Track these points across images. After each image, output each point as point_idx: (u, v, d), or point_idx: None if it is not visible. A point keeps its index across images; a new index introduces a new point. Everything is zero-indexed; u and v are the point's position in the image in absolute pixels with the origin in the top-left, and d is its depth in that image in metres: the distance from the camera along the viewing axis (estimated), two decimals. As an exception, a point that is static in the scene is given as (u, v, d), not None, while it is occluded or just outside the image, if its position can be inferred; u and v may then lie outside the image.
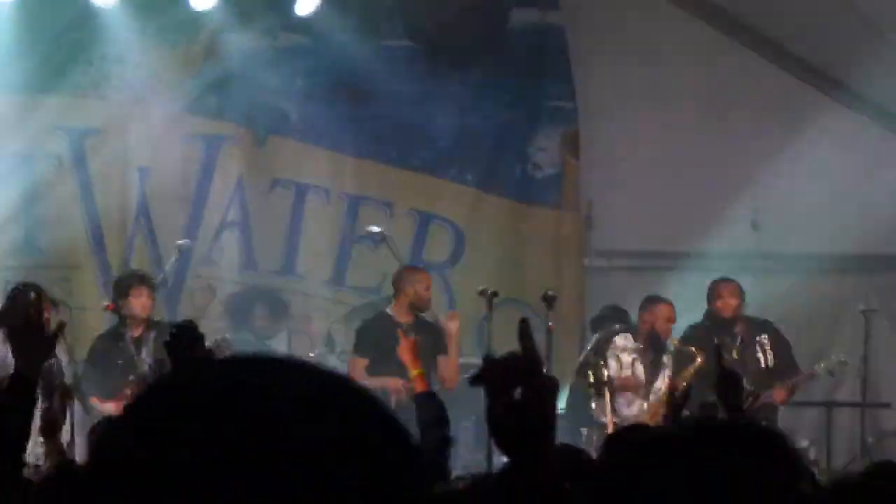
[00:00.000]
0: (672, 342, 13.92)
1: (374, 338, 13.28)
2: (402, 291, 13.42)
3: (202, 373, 2.23)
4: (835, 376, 14.57)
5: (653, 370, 13.86)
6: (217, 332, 13.86)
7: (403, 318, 13.33)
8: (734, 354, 13.74)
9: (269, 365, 2.20)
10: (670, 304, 13.92)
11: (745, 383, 12.20)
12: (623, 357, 13.74)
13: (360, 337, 13.62)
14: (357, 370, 13.18)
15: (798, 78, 16.25)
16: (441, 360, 13.48)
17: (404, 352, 12.76)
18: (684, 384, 12.44)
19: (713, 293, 14.15)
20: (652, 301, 13.98)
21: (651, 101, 15.72)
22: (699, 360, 13.35)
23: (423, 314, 13.44)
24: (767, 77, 16.09)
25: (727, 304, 14.01)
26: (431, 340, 13.32)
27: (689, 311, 14.39)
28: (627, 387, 13.69)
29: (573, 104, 15.82)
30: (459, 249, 15.62)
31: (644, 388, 13.78)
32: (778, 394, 13.68)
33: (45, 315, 12.10)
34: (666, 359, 13.81)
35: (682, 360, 13.63)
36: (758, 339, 14.01)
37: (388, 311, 13.54)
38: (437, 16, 15.37)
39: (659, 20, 15.93)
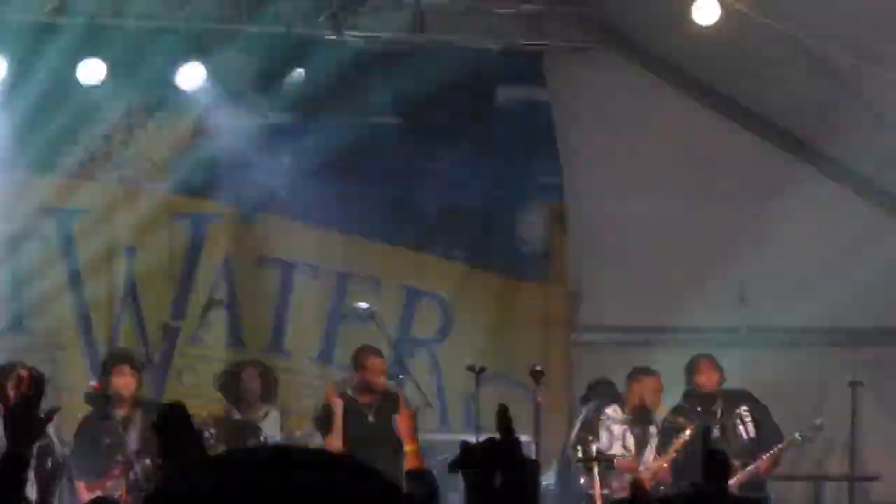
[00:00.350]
0: (659, 414, 13.88)
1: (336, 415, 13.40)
2: (360, 370, 13.46)
3: (199, 481, 2.29)
4: (811, 441, 14.41)
5: (641, 442, 13.80)
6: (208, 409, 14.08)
7: (364, 398, 13.36)
8: (716, 431, 13.72)
9: (262, 467, 2.29)
10: (657, 375, 13.94)
11: (730, 458, 12.37)
12: (614, 429, 13.72)
13: (322, 417, 13.63)
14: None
15: (784, 150, 16.33)
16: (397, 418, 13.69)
17: (402, 425, 12.80)
18: (646, 478, 12.81)
19: (693, 369, 14.16)
20: (639, 373, 13.98)
21: (637, 176, 15.73)
22: (689, 431, 13.34)
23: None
24: (753, 150, 16.19)
25: (708, 379, 14.00)
26: (390, 419, 13.55)
27: (678, 384, 14.25)
28: (620, 465, 13.60)
29: (560, 180, 15.88)
30: (447, 325, 15.63)
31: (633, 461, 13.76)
32: (762, 465, 13.58)
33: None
34: (653, 430, 13.77)
35: (669, 431, 13.60)
36: (738, 411, 13.99)
37: (349, 391, 13.53)
38: (424, 93, 15.35)
39: (644, 97, 16.07)
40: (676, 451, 13.73)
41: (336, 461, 2.42)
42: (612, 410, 13.93)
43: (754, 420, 14.00)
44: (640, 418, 14.03)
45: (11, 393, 11.71)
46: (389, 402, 13.59)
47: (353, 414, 13.40)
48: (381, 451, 13.02)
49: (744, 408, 14.06)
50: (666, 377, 14.42)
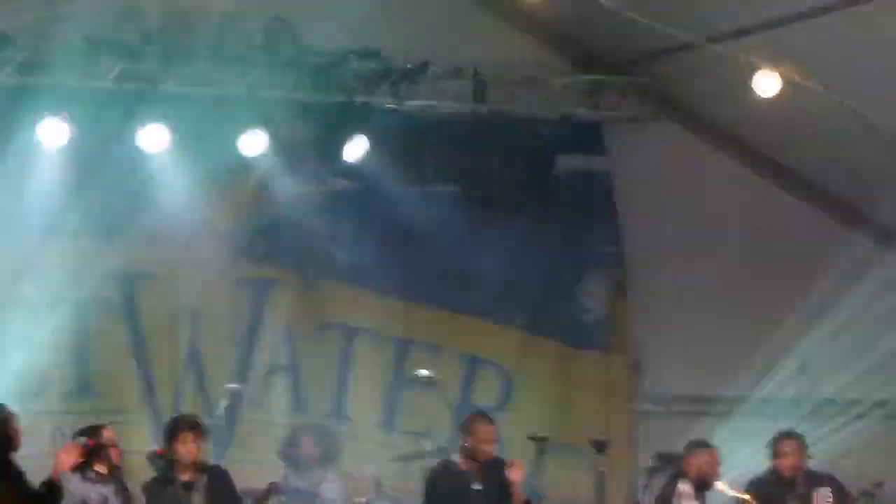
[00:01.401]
0: (720, 485, 13.63)
1: (444, 486, 13.28)
2: (468, 439, 13.30)
3: None
4: (875, 497, 14.29)
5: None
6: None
7: (469, 465, 13.23)
8: None
9: None
10: (713, 449, 13.83)
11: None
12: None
13: (430, 488, 13.51)
14: None
15: (840, 222, 16.34)
16: None
17: (515, 476, 12.85)
18: None
19: (775, 449, 13.97)
20: (695, 446, 13.87)
21: (697, 244, 15.78)
22: None
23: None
24: (810, 220, 16.21)
25: (788, 461, 13.82)
26: (497, 486, 13.22)
27: (737, 454, 14.35)
28: None
29: (619, 248, 15.97)
30: (508, 393, 15.61)
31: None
32: None
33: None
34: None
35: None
36: (817, 491, 13.80)
37: (454, 458, 13.41)
38: (483, 161, 15.63)
39: (703, 166, 16.10)
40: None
41: None
42: (684, 486, 13.72)
43: (836, 499, 13.82)
44: (700, 490, 13.79)
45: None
46: (496, 469, 13.31)
47: (457, 482, 13.21)
48: None
49: (827, 490, 13.88)
50: (729, 447, 14.24)
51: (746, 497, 13.74)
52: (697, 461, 13.67)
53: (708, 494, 13.85)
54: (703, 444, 13.87)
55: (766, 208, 16.15)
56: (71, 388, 14.74)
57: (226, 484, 13.42)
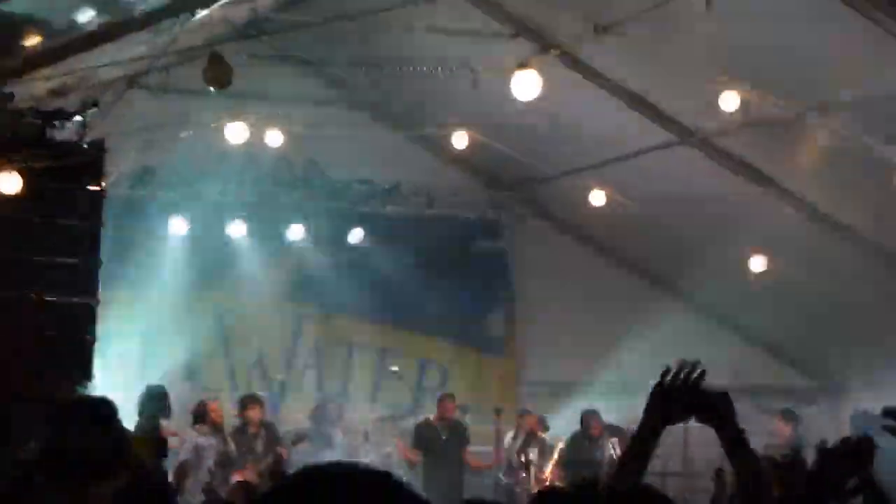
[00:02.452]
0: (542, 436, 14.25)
1: (423, 434, 14.16)
2: (441, 408, 14.23)
3: (310, 480, 2.00)
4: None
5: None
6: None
7: (440, 423, 14.08)
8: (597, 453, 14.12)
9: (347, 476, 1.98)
10: (535, 415, 14.37)
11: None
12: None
13: (417, 435, 14.30)
14: (413, 457, 14.31)
15: (649, 283, 16.37)
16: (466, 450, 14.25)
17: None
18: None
19: (583, 419, 14.44)
20: (524, 412, 14.52)
21: (557, 294, 15.83)
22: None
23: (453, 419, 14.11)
24: (630, 284, 16.21)
25: (596, 427, 14.41)
26: (457, 437, 14.15)
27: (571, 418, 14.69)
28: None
29: (511, 293, 16.30)
30: (445, 381, 15.78)
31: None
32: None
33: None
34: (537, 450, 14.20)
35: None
36: (612, 440, 14.10)
37: (430, 418, 14.30)
38: (432, 243, 15.71)
39: (560, 247, 16.22)
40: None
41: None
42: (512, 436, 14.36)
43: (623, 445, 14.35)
44: (527, 439, 14.30)
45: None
46: (457, 426, 14.19)
47: (432, 432, 14.02)
48: (450, 460, 13.99)
49: (615, 439, 14.13)
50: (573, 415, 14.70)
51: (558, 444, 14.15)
52: (529, 420, 14.37)
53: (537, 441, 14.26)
54: (529, 411, 14.49)
55: (599, 275, 16.14)
56: (186, 378, 14.94)
57: (275, 433, 14.00)
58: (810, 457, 12.66)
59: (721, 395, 3.65)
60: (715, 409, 3.59)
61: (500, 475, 14.57)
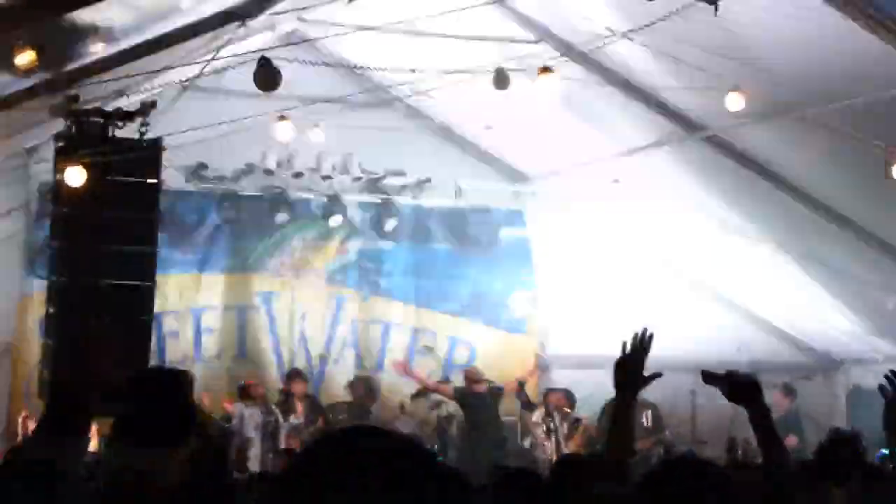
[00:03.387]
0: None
1: (464, 394, 14.10)
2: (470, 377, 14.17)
3: (344, 440, 1.94)
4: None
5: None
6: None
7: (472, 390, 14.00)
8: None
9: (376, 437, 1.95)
10: (562, 392, 14.19)
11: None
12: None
13: (460, 395, 14.11)
14: (444, 389, 14.38)
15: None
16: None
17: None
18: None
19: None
20: (550, 390, 14.33)
21: (577, 277, 15.58)
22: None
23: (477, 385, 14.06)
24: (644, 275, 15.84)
25: (559, 401, 13.99)
26: (489, 397, 14.09)
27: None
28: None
29: (534, 278, 15.96)
30: (472, 356, 15.55)
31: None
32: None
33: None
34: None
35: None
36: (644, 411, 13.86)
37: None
38: (463, 228, 15.73)
39: (584, 237, 15.88)
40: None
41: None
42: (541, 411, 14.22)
43: (654, 418, 13.97)
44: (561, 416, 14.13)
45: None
46: (494, 393, 14.07)
47: (469, 398, 14.00)
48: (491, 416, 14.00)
49: (647, 412, 14.00)
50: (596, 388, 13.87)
51: (581, 416, 14.01)
52: (553, 397, 14.25)
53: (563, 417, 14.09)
54: (555, 389, 14.36)
55: (615, 261, 15.80)
56: (235, 353, 15.00)
57: (318, 404, 14.23)
58: (806, 426, 12.63)
59: (751, 379, 3.77)
60: (746, 390, 3.71)
61: (527, 445, 14.52)
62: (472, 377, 14.25)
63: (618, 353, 4.12)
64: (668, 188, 14.16)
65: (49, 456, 2.95)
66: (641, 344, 4.04)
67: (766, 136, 12.18)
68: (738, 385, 3.73)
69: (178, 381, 3.41)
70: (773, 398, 14.17)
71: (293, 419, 13.91)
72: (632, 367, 4.03)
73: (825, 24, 9.61)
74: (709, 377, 3.82)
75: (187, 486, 2.99)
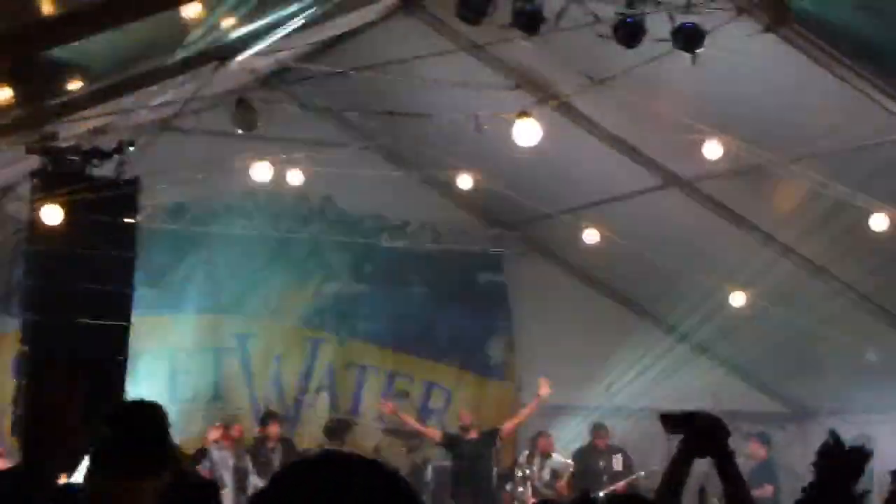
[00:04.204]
0: (556, 455, 14.31)
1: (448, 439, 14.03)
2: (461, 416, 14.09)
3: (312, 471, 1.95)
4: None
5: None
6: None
7: (463, 433, 13.88)
8: (602, 464, 14.18)
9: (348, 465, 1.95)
10: (550, 435, 14.45)
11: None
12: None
13: (448, 441, 14.05)
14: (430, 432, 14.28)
15: (635, 314, 16.31)
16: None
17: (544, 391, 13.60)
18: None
19: (594, 432, 14.50)
20: (540, 434, 14.39)
21: (554, 325, 15.70)
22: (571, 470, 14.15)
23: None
24: (619, 315, 16.20)
25: (601, 440, 14.48)
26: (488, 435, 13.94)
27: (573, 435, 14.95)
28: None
29: (510, 324, 16.13)
30: (448, 403, 15.62)
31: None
32: (620, 487, 13.42)
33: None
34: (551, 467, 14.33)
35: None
36: (615, 456, 14.41)
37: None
38: (438, 275, 15.84)
39: (556, 280, 16.12)
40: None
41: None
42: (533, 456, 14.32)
43: (624, 461, 14.33)
44: (543, 459, 14.33)
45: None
46: (490, 434, 13.92)
47: (464, 442, 13.81)
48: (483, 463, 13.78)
49: (618, 455, 14.47)
50: (567, 434, 14.86)
51: (570, 461, 14.15)
52: (542, 442, 14.39)
53: (548, 461, 14.34)
54: (544, 432, 14.48)
55: (592, 307, 16.12)
56: (210, 396, 14.93)
57: (293, 447, 14.05)
58: (781, 476, 12.57)
59: (714, 420, 3.62)
60: (710, 433, 3.56)
61: (507, 487, 14.45)
62: (465, 426, 14.17)
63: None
64: (646, 237, 14.20)
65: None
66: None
67: (744, 185, 12.22)
68: (702, 430, 3.56)
69: (155, 413, 3.43)
70: (749, 448, 14.42)
71: (268, 460, 13.79)
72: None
73: (800, 73, 9.69)
74: (668, 422, 3.62)
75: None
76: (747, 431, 15.01)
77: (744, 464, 13.56)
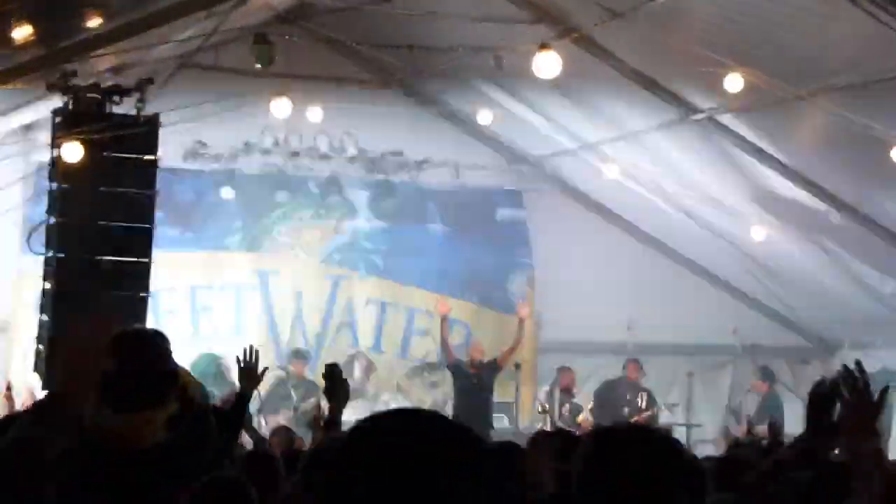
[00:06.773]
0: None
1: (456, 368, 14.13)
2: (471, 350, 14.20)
3: (381, 426, 1.95)
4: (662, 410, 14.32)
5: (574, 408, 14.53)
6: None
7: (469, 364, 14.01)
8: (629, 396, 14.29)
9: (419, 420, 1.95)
10: (572, 371, 14.69)
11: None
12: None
13: (455, 367, 14.13)
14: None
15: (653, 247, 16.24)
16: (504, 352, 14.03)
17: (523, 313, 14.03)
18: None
19: (627, 367, 14.66)
20: (563, 369, 14.73)
21: (573, 258, 15.63)
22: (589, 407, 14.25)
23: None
24: (635, 252, 16.05)
25: (632, 374, 14.59)
26: (487, 368, 14.10)
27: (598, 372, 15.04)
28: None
29: (530, 260, 16.06)
30: (468, 337, 15.37)
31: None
32: (641, 419, 13.47)
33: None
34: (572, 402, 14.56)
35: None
36: (640, 395, 14.35)
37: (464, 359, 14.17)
38: (459, 210, 15.68)
39: (574, 215, 16.02)
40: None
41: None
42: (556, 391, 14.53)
43: (648, 401, 14.30)
44: (565, 394, 14.53)
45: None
46: (489, 366, 14.04)
47: (464, 374, 13.97)
48: (481, 396, 13.92)
49: (643, 393, 14.47)
50: (586, 370, 14.84)
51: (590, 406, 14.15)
52: (564, 377, 14.60)
53: (569, 397, 14.49)
54: (566, 368, 14.64)
55: (609, 241, 15.94)
56: (232, 332, 14.64)
57: (314, 384, 13.87)
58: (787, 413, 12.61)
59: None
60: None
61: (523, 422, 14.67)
62: (472, 360, 14.21)
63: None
64: (666, 172, 14.18)
65: (35, 439, 2.94)
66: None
67: (765, 119, 12.16)
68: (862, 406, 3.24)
69: (161, 340, 3.40)
70: (751, 384, 14.92)
71: (286, 395, 14.02)
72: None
73: (825, 7, 9.59)
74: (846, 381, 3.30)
75: (161, 447, 3.00)
76: (764, 365, 15.34)
77: (750, 399, 14.26)
